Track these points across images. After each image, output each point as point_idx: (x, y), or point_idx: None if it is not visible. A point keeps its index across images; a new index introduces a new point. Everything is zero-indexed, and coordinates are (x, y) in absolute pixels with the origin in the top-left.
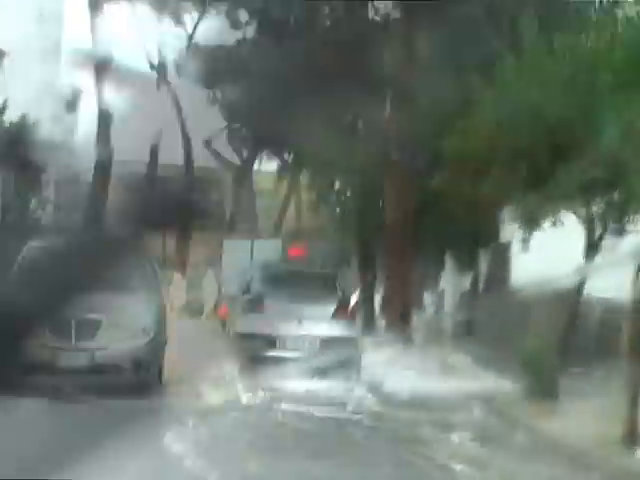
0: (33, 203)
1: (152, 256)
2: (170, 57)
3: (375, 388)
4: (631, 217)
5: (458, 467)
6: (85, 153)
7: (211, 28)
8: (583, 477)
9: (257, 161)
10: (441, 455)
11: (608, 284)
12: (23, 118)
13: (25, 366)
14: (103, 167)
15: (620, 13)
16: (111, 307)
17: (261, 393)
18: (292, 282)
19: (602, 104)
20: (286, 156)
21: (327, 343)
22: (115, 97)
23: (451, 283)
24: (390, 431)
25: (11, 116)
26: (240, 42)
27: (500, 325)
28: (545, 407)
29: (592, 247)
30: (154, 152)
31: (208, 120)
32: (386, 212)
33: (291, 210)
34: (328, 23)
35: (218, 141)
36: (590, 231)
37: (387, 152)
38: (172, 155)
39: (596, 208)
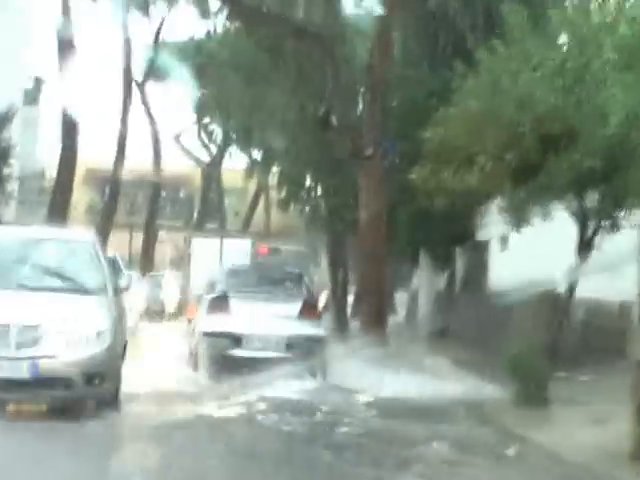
0: None
1: (115, 255)
2: (137, 51)
3: (349, 393)
4: (628, 211)
5: None
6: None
7: (179, 21)
8: None
9: (226, 159)
10: (426, 469)
11: (594, 284)
12: None
13: None
14: (68, 162)
15: None
16: (60, 309)
17: (232, 403)
18: (258, 281)
19: (600, 86)
20: (255, 153)
21: (294, 342)
22: (80, 91)
23: (425, 282)
24: (369, 442)
25: None
26: (209, 34)
27: (478, 326)
28: (535, 414)
29: (585, 244)
30: (121, 149)
31: (177, 116)
32: (360, 209)
33: (260, 208)
34: (302, 13)
35: (187, 138)
36: (583, 227)
37: (361, 147)
38: (140, 152)
39: (589, 202)
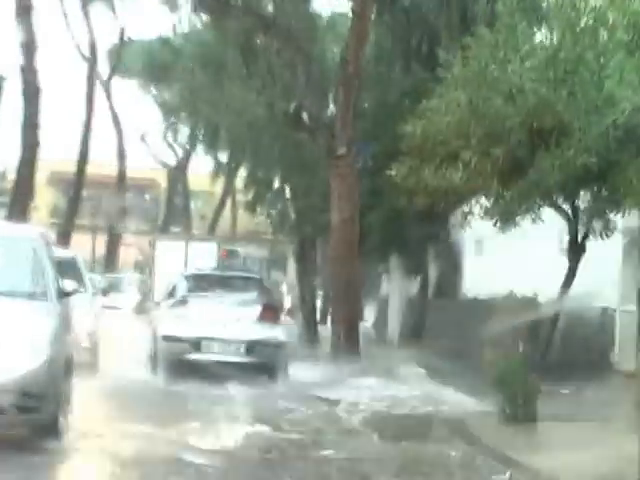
0: None
1: (76, 255)
2: (103, 50)
3: (321, 407)
4: (624, 212)
5: None
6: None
7: (146, 17)
8: None
9: (193, 162)
10: None
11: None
12: None
13: None
14: (28, 162)
15: None
16: None
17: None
18: (218, 286)
19: (596, 75)
20: (222, 155)
21: (253, 346)
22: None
23: (396, 288)
24: (342, 463)
25: None
26: (175, 29)
27: (453, 334)
28: (525, 433)
29: (576, 247)
30: (84, 149)
31: (143, 116)
32: (331, 211)
33: (227, 212)
34: (272, 6)
35: (154, 139)
36: (574, 229)
37: (333, 146)
38: (105, 153)
39: (581, 202)
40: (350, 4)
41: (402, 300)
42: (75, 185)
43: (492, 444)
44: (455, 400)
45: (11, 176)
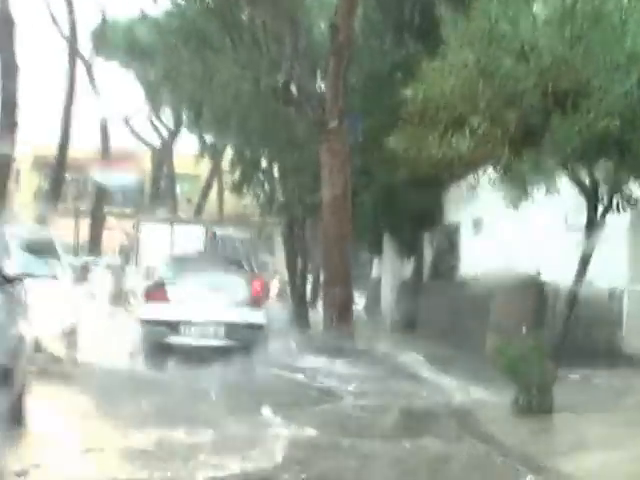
0: None
1: (50, 235)
2: (86, 30)
3: (317, 399)
4: None
5: None
6: None
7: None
8: None
9: (178, 144)
10: None
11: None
12: None
13: None
14: (8, 142)
15: None
16: None
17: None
18: (198, 269)
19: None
20: (207, 135)
21: (233, 329)
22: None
23: (389, 269)
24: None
25: None
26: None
27: (450, 318)
28: (544, 428)
29: (593, 223)
30: (65, 130)
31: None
32: (322, 189)
33: (214, 194)
34: None
35: (139, 120)
36: (592, 202)
37: (324, 119)
38: (89, 135)
39: (600, 172)
40: None
41: (395, 282)
42: (56, 167)
43: (509, 442)
44: (459, 388)
45: None
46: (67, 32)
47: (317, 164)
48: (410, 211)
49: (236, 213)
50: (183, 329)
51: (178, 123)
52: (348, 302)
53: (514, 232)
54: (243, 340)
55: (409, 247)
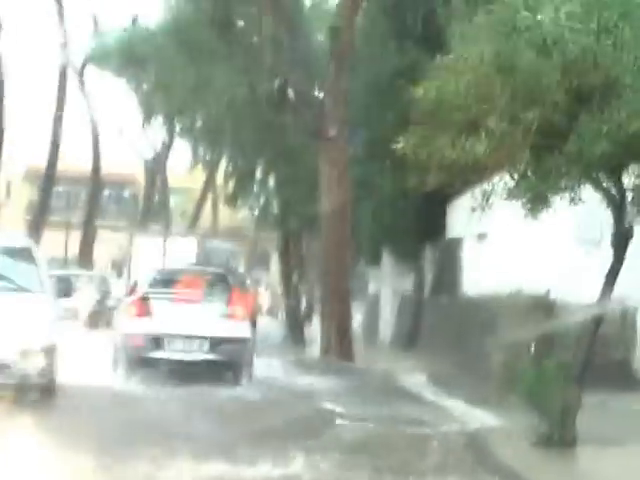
0: None
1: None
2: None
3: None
4: None
5: None
6: None
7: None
8: None
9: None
10: None
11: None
12: None
13: None
14: None
15: None
16: None
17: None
18: (182, 283)
19: None
20: (201, 148)
21: (217, 344)
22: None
23: (389, 285)
24: None
25: None
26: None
27: (453, 336)
28: (572, 464)
29: (621, 236)
30: (55, 142)
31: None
32: (322, 200)
33: (208, 207)
34: None
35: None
36: (618, 211)
37: (323, 126)
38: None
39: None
40: None
41: (395, 298)
42: (47, 179)
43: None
44: (469, 415)
45: None
46: (59, 41)
47: (314, 175)
48: (411, 223)
49: (231, 226)
50: (166, 343)
51: (171, 134)
52: (347, 318)
53: (521, 245)
54: (227, 354)
55: (410, 261)
